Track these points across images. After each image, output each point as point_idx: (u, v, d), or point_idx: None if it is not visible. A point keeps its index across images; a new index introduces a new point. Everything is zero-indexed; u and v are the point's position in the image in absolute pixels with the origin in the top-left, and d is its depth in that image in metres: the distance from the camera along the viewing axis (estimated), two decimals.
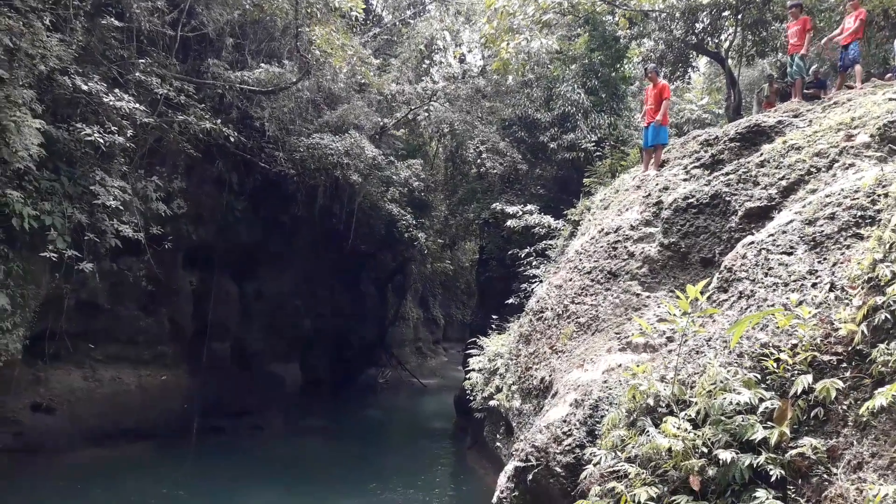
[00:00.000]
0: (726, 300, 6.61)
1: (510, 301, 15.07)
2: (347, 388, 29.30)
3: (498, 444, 11.77)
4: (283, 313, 24.54)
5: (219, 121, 17.37)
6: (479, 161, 21.84)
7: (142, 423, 18.74)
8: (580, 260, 9.46)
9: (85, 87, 13.44)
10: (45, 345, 15.91)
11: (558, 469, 6.41)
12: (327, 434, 22.66)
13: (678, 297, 5.83)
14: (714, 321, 6.43)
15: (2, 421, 15.92)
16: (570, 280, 9.33)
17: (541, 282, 12.41)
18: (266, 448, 20.20)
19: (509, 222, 15.38)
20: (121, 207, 14.39)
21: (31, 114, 11.46)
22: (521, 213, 15.34)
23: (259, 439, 21.00)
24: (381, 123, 23.56)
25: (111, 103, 14.05)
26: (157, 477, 16.41)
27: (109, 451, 17.44)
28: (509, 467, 7.34)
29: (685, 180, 9.66)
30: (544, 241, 14.41)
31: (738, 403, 4.90)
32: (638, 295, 8.50)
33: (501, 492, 7.28)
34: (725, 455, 4.66)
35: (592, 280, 8.90)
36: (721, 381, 5.19)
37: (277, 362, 24.76)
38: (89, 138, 13.43)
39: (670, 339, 7.11)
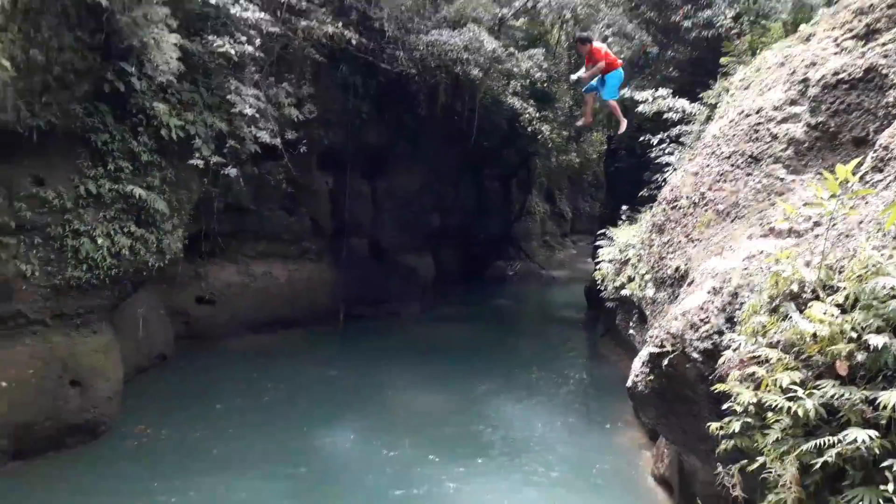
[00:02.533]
0: (881, 181, 6.14)
1: (641, 192, 14.69)
2: (477, 280, 30.13)
3: (631, 331, 11.83)
4: (413, 210, 25.24)
5: (340, 24, 17.51)
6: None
7: (292, 312, 20.37)
8: (718, 145, 9.00)
9: (212, 1, 13.90)
10: (202, 244, 17.39)
11: (695, 355, 6.41)
12: (460, 321, 23.63)
13: (826, 180, 5.49)
14: (867, 203, 6.02)
15: (174, 312, 17.82)
16: (708, 166, 8.94)
17: (675, 170, 11.96)
18: (404, 333, 21.44)
19: (640, 108, 14.70)
20: (256, 115, 15.06)
21: (167, 30, 12.04)
22: (652, 98, 14.60)
23: (397, 325, 22.27)
24: (500, 14, 22.79)
25: (238, 14, 14.49)
26: (309, 359, 17.95)
27: (266, 338, 19.18)
28: (644, 353, 7.42)
29: (835, 54, 8.78)
30: (678, 127, 13.73)
31: (892, 287, 4.65)
32: (782, 179, 8.02)
33: (636, 376, 7.40)
34: (877, 340, 4.48)
35: (732, 165, 8.47)
36: (873, 265, 4.93)
37: (411, 254, 25.75)
38: (221, 50, 13.99)
39: (817, 224, 6.74)
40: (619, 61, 12.28)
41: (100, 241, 11.65)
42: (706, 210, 8.53)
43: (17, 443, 10.81)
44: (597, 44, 12.47)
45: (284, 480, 10.84)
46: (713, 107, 12.39)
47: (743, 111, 9.05)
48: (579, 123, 15.68)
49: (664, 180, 12.05)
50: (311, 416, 13.72)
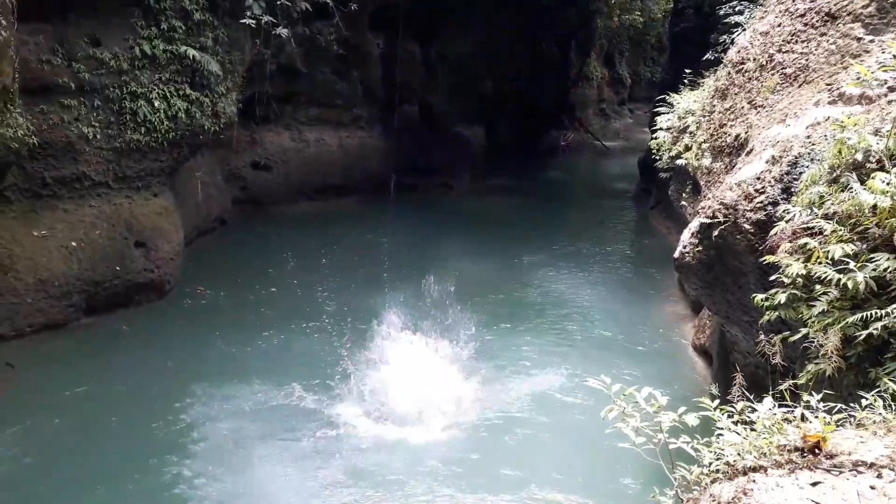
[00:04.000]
0: None
1: (706, 56, 13.90)
2: (530, 150, 29.64)
3: (683, 202, 11.61)
4: (466, 75, 24.53)
5: None
6: None
7: (345, 179, 20.64)
8: (793, 1, 8.35)
9: None
10: (256, 108, 17.43)
11: (747, 226, 6.28)
12: (512, 192, 23.57)
13: None
14: None
15: (231, 177, 18.25)
16: (779, 25, 8.33)
17: (744, 30, 11.21)
18: (455, 204, 21.56)
19: None
20: None
21: None
22: None
23: (448, 196, 22.36)
24: None
25: None
26: (362, 226, 18.33)
27: (319, 204, 19.59)
28: (694, 224, 7.29)
29: None
30: None
31: None
32: (859, 39, 7.44)
33: (684, 247, 7.33)
34: None
35: (806, 24, 7.87)
36: None
37: (462, 124, 25.33)
38: None
39: (892, 90, 6.30)
40: None
41: (156, 103, 11.80)
42: (773, 73, 8.05)
43: (89, 299, 11.54)
44: None
45: (337, 336, 11.37)
46: None
47: None
48: None
49: (732, 41, 11.34)
50: (363, 282, 14.17)
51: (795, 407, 3.41)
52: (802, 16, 7.98)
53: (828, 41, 7.63)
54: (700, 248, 7.01)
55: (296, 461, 8.13)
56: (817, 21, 7.78)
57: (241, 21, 13.23)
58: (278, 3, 14.26)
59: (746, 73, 8.75)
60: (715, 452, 3.34)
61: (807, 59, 7.73)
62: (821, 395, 3.50)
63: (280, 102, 18.58)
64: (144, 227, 12.33)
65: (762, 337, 4.87)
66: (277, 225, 17.95)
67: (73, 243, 11.23)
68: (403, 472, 7.92)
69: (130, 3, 11.51)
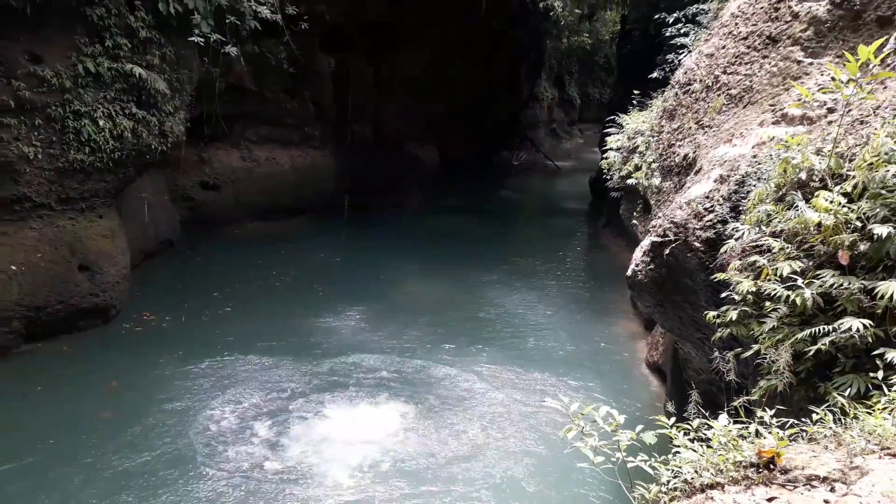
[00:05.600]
0: None
1: (654, 75, 14.23)
2: (483, 170, 29.89)
3: (634, 221, 11.80)
4: (418, 95, 24.64)
5: None
6: None
7: (297, 199, 20.38)
8: (736, 24, 8.60)
9: None
10: (204, 127, 17.14)
11: (697, 244, 6.40)
12: (465, 212, 23.65)
13: (846, 62, 5.25)
14: (885, 88, 5.80)
15: (179, 197, 17.84)
16: (723, 48, 8.58)
17: (689, 52, 11.52)
18: (408, 223, 21.52)
19: None
20: None
21: None
22: None
23: (401, 215, 22.30)
24: None
25: None
26: (314, 247, 18.14)
27: (270, 224, 19.31)
28: (646, 242, 7.40)
29: None
30: (696, 6, 13.13)
31: None
32: (799, 62, 7.71)
33: (636, 265, 7.42)
34: (881, 230, 4.42)
35: (748, 47, 8.12)
36: (886, 153, 4.80)
37: (415, 143, 25.39)
38: None
39: (831, 111, 6.53)
40: None
41: (101, 122, 11.49)
42: (719, 94, 8.27)
43: (30, 325, 11.10)
44: None
45: (289, 360, 11.18)
46: None
47: None
48: None
49: (679, 62, 11.64)
50: (315, 303, 14.01)
51: (750, 423, 3.45)
52: (745, 38, 8.24)
53: (770, 63, 7.89)
54: (652, 267, 7.11)
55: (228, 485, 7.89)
56: (759, 44, 8.04)
57: (189, 39, 13.03)
58: (227, 21, 14.11)
59: (693, 94, 8.97)
60: (672, 470, 3.35)
61: (751, 81, 7.97)
62: (773, 411, 3.55)
63: (229, 121, 18.31)
64: (89, 250, 11.94)
65: (716, 354, 4.94)
66: (227, 246, 17.63)
67: (13, 267, 10.80)
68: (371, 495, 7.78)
69: (73, 19, 11.22)
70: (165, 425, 9.16)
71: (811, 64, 7.64)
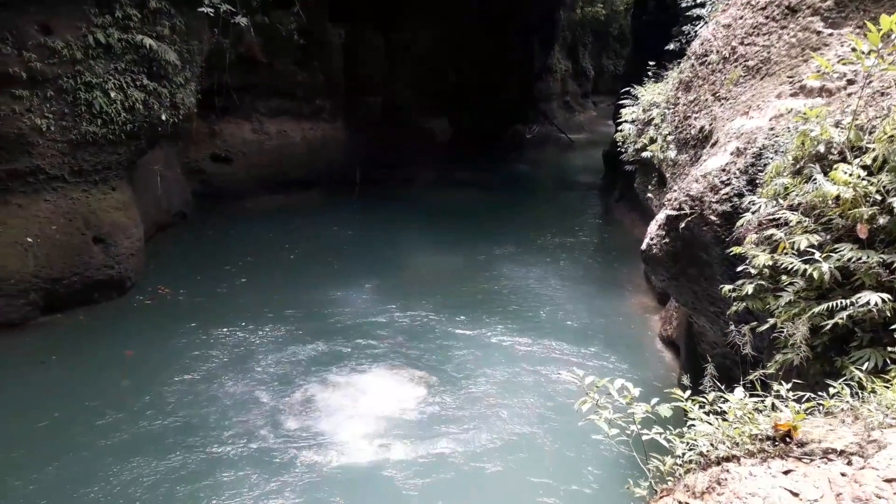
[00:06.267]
0: None
1: (669, 47, 14.01)
2: (495, 143, 29.67)
3: (649, 195, 11.71)
4: (429, 67, 24.45)
5: None
6: None
7: (308, 172, 20.35)
8: None
9: None
10: (215, 99, 17.09)
11: (713, 217, 6.34)
12: (477, 186, 23.54)
13: (867, 33, 5.14)
14: None
15: (191, 170, 17.87)
16: (741, 18, 8.42)
17: (706, 22, 11.32)
18: (420, 197, 21.45)
19: None
20: None
21: None
22: None
23: (413, 189, 22.24)
24: None
25: None
26: (326, 220, 18.15)
27: (282, 197, 19.31)
28: (661, 216, 7.34)
29: None
30: None
31: None
32: (819, 33, 7.56)
33: (651, 238, 7.38)
34: None
35: (767, 17, 7.97)
36: None
37: (426, 116, 25.23)
38: None
39: (851, 83, 6.42)
40: None
41: (112, 94, 11.48)
42: (736, 66, 8.14)
43: (47, 297, 11.21)
44: None
45: (303, 331, 11.25)
46: None
47: None
48: None
49: (695, 33, 11.45)
50: (328, 275, 14.04)
51: (766, 396, 3.44)
52: (763, 9, 8.08)
53: (788, 34, 7.74)
54: (667, 240, 7.07)
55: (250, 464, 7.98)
56: (778, 14, 7.88)
57: (199, 9, 12.94)
58: None
59: (710, 66, 8.83)
60: (688, 443, 3.36)
61: (768, 52, 7.83)
62: (790, 385, 3.54)
63: (240, 93, 18.25)
64: (103, 223, 12.00)
65: (731, 327, 4.91)
66: (239, 219, 17.68)
67: (29, 239, 10.88)
68: (365, 472, 7.87)
69: None
70: (181, 393, 9.28)
71: (831, 35, 7.50)
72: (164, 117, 12.46)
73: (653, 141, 10.60)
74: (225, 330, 11.20)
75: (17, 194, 10.95)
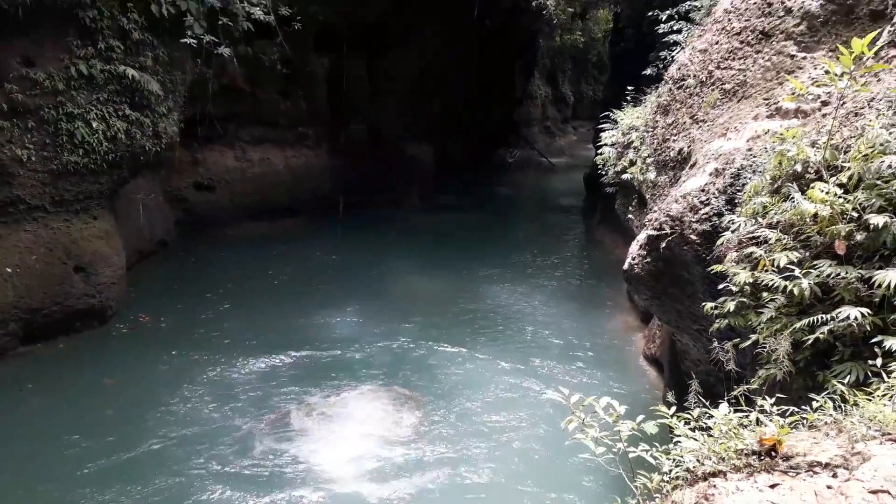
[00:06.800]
0: None
1: (647, 72, 14.26)
2: (478, 168, 29.87)
3: (629, 216, 11.82)
4: (413, 94, 24.60)
5: None
6: None
7: (292, 200, 20.33)
8: (729, 20, 8.63)
9: None
10: (198, 128, 17.10)
11: (693, 237, 6.42)
12: (461, 210, 23.66)
13: (840, 55, 5.27)
14: (879, 80, 5.82)
15: (173, 198, 17.79)
16: (717, 43, 8.61)
17: (682, 48, 11.56)
18: (405, 222, 21.50)
19: None
20: None
21: None
22: None
23: (398, 214, 22.28)
24: None
25: None
26: (310, 246, 18.12)
27: (265, 225, 19.27)
28: (642, 236, 7.43)
29: None
30: (688, 2, 13.16)
31: None
32: (793, 56, 7.74)
33: (633, 259, 7.45)
34: (877, 220, 4.45)
35: (742, 42, 8.15)
36: (881, 144, 4.83)
37: (411, 143, 25.34)
38: None
39: (825, 104, 6.58)
40: None
41: (94, 124, 11.47)
42: (713, 89, 8.30)
43: (27, 327, 11.08)
44: None
45: (287, 357, 11.18)
46: None
47: None
48: None
49: (672, 58, 11.68)
50: (313, 302, 13.99)
51: (750, 411, 3.46)
52: (738, 34, 8.27)
53: (763, 58, 7.92)
54: (648, 260, 7.14)
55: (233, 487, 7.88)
56: (753, 39, 8.06)
57: (182, 40, 13.00)
58: (219, 22, 14.08)
59: (687, 89, 8.99)
60: (674, 459, 3.37)
61: (744, 76, 8.00)
62: (773, 399, 3.57)
63: (223, 122, 18.27)
64: (84, 252, 11.91)
65: (715, 344, 4.95)
66: (222, 246, 17.60)
67: (8, 269, 10.77)
68: (353, 490, 7.79)
69: (66, 22, 11.17)
70: (161, 421, 9.18)
71: (805, 58, 7.68)
72: (146, 146, 12.45)
73: (632, 163, 10.73)
74: (206, 356, 11.11)
75: None
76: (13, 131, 10.72)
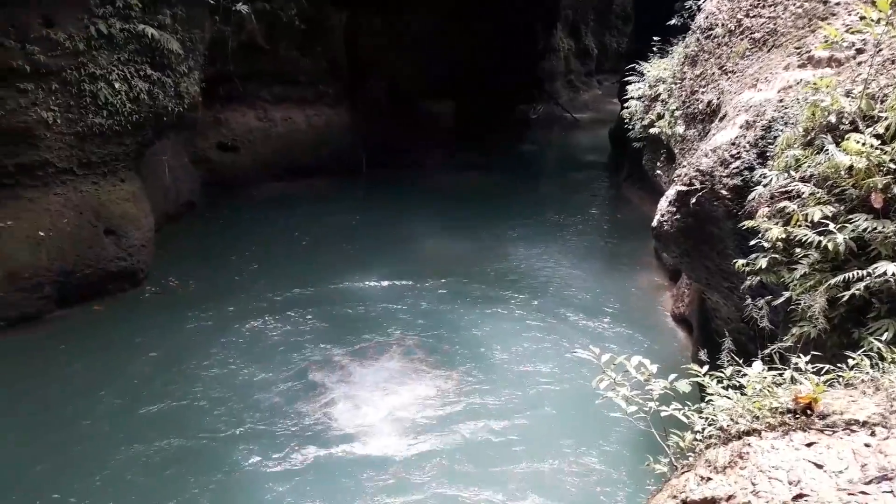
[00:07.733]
0: None
1: (673, 22, 13.87)
2: (500, 125, 29.49)
3: (658, 171, 11.66)
4: (433, 49, 24.23)
5: None
6: None
7: (314, 158, 20.27)
8: None
9: None
10: (219, 88, 17.04)
11: (724, 192, 6.31)
12: (484, 167, 23.44)
13: (876, 1, 5.06)
14: None
15: (197, 159, 17.85)
16: None
17: None
18: (427, 181, 21.35)
19: None
20: None
21: None
22: None
23: (420, 173, 22.12)
24: None
25: None
26: (334, 207, 18.15)
27: (288, 184, 19.27)
28: (671, 192, 7.32)
29: None
30: None
31: None
32: (825, 2, 7.45)
33: (662, 215, 7.35)
34: None
35: None
36: None
37: (431, 99, 25.05)
38: None
39: (860, 51, 6.34)
40: None
41: (117, 85, 11.46)
42: (742, 39, 8.06)
43: (61, 290, 11.25)
44: None
45: (317, 319, 11.29)
46: None
47: None
48: None
49: (699, 7, 11.33)
50: (339, 262, 14.05)
51: (785, 369, 3.43)
52: None
53: (794, 5, 7.65)
54: (678, 216, 7.04)
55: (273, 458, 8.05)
56: None
57: None
58: None
59: (715, 39, 8.75)
60: (707, 418, 3.36)
61: (775, 24, 7.74)
62: (808, 357, 3.53)
63: (243, 81, 18.18)
64: (113, 214, 12.03)
65: (748, 301, 4.90)
66: (248, 207, 17.67)
67: (41, 233, 10.92)
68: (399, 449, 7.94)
69: None
70: (193, 379, 9.37)
71: (838, 4, 7.40)
72: (169, 107, 12.44)
73: (660, 117, 10.54)
74: (238, 318, 11.26)
75: (27, 188, 10.98)
76: (37, 94, 10.74)
